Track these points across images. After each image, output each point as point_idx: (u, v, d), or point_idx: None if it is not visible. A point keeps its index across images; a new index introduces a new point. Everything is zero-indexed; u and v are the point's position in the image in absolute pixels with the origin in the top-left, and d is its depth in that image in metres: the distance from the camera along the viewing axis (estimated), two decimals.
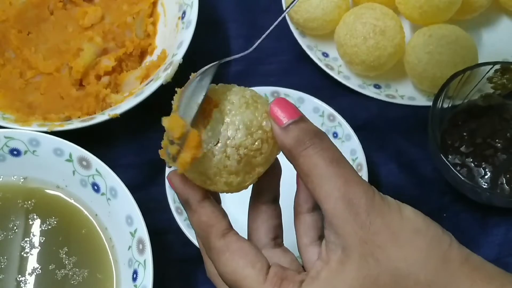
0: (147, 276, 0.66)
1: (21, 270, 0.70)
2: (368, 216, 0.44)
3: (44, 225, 0.72)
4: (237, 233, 0.49)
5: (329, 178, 0.45)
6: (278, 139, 0.47)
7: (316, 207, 0.49)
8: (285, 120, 0.46)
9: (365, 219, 0.44)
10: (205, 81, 0.50)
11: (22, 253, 0.71)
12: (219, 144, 0.47)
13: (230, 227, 0.49)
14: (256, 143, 0.47)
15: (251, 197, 0.52)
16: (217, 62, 0.49)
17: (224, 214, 0.50)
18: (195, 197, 0.49)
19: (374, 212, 0.45)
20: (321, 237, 0.49)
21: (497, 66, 0.76)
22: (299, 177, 0.49)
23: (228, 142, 0.47)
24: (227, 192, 0.49)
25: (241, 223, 0.55)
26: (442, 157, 0.71)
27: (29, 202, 0.73)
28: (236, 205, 0.63)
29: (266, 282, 0.46)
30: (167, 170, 0.74)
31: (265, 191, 0.52)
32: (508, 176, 0.74)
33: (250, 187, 0.51)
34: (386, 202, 0.46)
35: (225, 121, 0.47)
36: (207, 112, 0.49)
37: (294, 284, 0.46)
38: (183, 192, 0.49)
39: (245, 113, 0.48)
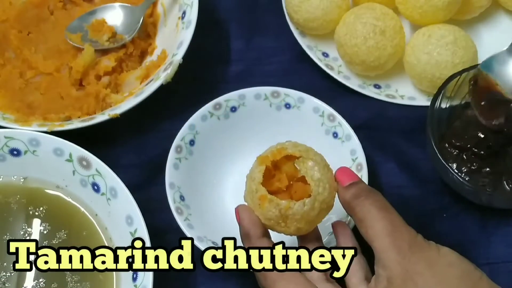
0: (147, 276, 0.66)
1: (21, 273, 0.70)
2: (410, 249, 0.53)
3: (44, 226, 0.72)
4: None
5: (379, 221, 0.55)
6: (341, 196, 0.58)
7: (359, 251, 0.59)
8: (346, 181, 0.58)
9: (407, 251, 0.53)
10: None
11: None
12: (310, 197, 0.56)
13: None
14: (332, 200, 0.58)
15: (299, 241, 0.61)
16: None
17: None
18: (256, 231, 0.57)
19: (415, 247, 0.53)
20: (367, 277, 0.57)
21: None
22: (355, 225, 0.58)
23: (317, 196, 0.56)
24: (286, 234, 0.58)
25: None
26: (441, 159, 0.71)
27: (29, 202, 0.73)
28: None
29: None
30: (167, 170, 0.74)
31: (311, 234, 0.60)
32: (507, 177, 0.74)
33: None
34: (426, 241, 0.55)
35: (316, 177, 0.57)
36: (289, 157, 0.58)
37: None
38: (247, 225, 0.57)
39: (328, 174, 0.58)
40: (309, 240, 0.60)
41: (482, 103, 0.70)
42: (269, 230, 0.59)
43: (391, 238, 0.53)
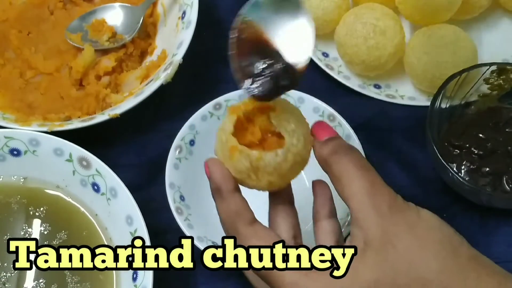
0: (147, 276, 0.66)
1: (21, 272, 0.70)
2: (389, 210, 0.50)
3: (45, 226, 0.72)
4: (262, 224, 0.53)
5: (357, 180, 0.51)
6: (317, 151, 0.54)
7: (333, 214, 0.56)
8: (324, 136, 0.54)
9: (387, 212, 0.50)
10: None
11: None
12: (283, 148, 0.52)
13: (255, 218, 0.53)
14: (307, 154, 0.54)
15: (270, 199, 0.57)
16: None
17: (250, 207, 0.54)
18: (228, 186, 0.53)
19: (395, 208, 0.50)
20: (338, 241, 0.54)
21: (494, 67, 0.76)
22: (331, 182, 0.54)
23: (291, 148, 0.52)
24: (258, 189, 0.55)
25: None
26: (441, 158, 0.71)
27: (29, 202, 0.73)
28: None
29: None
30: (167, 170, 0.74)
31: (283, 193, 0.56)
32: (507, 177, 0.74)
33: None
34: (406, 203, 0.52)
35: (291, 128, 0.53)
36: (263, 110, 0.54)
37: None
38: (218, 179, 0.53)
39: (304, 126, 0.54)
40: (281, 200, 0.56)
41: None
42: (241, 187, 0.55)
43: (369, 198, 0.50)
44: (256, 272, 0.53)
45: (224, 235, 0.56)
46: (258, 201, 0.57)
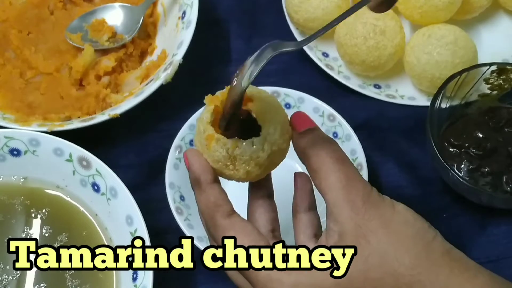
0: (147, 276, 0.66)
1: (22, 273, 0.70)
2: (364, 205, 0.50)
3: (46, 229, 0.72)
4: (241, 216, 0.53)
5: (334, 173, 0.51)
6: (295, 141, 0.54)
7: (312, 208, 0.55)
8: (302, 127, 0.54)
9: (361, 207, 0.50)
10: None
11: None
12: (259, 137, 0.52)
13: (234, 210, 0.53)
14: (284, 144, 0.53)
15: (249, 192, 0.57)
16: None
17: (229, 199, 0.54)
18: (207, 178, 0.53)
19: (370, 203, 0.50)
20: (316, 235, 0.54)
21: (494, 67, 0.76)
22: (308, 173, 0.54)
23: (267, 137, 0.52)
24: (237, 180, 0.54)
25: None
26: (441, 158, 0.71)
27: (29, 202, 0.73)
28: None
29: None
30: (167, 170, 0.74)
31: (262, 187, 0.56)
32: (507, 177, 0.74)
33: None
34: (381, 197, 0.52)
35: (267, 117, 0.52)
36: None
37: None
38: (197, 171, 0.53)
39: (281, 116, 0.53)
40: (261, 193, 0.56)
41: None
42: (220, 179, 0.55)
43: (344, 192, 0.50)
44: (242, 272, 0.53)
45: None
46: (238, 194, 0.57)
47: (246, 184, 0.57)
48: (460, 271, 0.49)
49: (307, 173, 0.55)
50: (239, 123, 0.53)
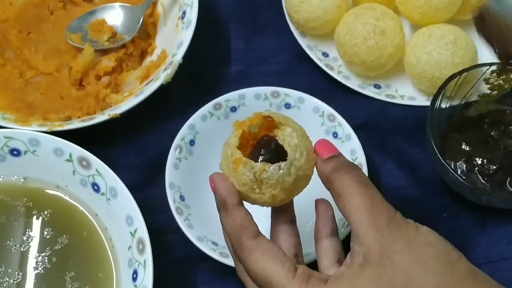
0: (147, 276, 0.66)
1: (22, 267, 0.70)
2: (388, 227, 0.51)
3: (47, 231, 0.72)
4: (267, 237, 0.55)
5: (358, 196, 0.53)
6: (319, 167, 0.56)
7: (334, 233, 0.57)
8: (326, 154, 0.56)
9: (386, 228, 0.51)
10: None
11: (23, 251, 0.71)
12: (286, 161, 0.54)
13: (260, 232, 0.55)
14: (310, 170, 0.56)
15: (272, 217, 0.58)
16: None
17: (254, 221, 0.55)
18: (233, 200, 0.55)
19: (394, 225, 0.52)
20: (339, 260, 0.56)
21: (494, 67, 0.76)
22: (332, 198, 0.55)
23: (294, 162, 0.54)
24: (261, 205, 0.56)
25: None
26: (441, 159, 0.71)
27: (32, 204, 0.73)
28: None
29: (295, 278, 0.51)
30: (167, 170, 0.74)
31: (285, 212, 0.58)
32: (508, 177, 0.74)
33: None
34: (405, 220, 0.53)
35: (294, 142, 0.55)
36: (268, 128, 0.56)
37: (321, 281, 0.51)
38: (223, 193, 0.55)
39: (307, 142, 0.56)
40: (284, 219, 0.58)
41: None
42: (245, 203, 0.56)
43: (369, 215, 0.52)
44: (259, 285, 0.54)
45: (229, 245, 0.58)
46: (260, 219, 0.57)
47: (265, 211, 0.58)
48: None
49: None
50: (266, 149, 0.55)
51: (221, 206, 0.55)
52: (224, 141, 0.57)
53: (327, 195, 0.57)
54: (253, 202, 0.56)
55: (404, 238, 0.51)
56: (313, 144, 0.57)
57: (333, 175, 0.54)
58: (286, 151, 0.54)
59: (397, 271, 0.50)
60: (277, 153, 0.55)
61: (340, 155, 0.56)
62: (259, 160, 0.54)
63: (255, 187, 0.54)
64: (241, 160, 0.54)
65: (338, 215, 0.57)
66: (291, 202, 0.58)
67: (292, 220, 0.58)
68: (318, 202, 0.58)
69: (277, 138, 0.55)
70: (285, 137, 0.55)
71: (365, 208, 0.52)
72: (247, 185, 0.54)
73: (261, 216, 0.58)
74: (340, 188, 0.54)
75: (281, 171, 0.54)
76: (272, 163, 0.54)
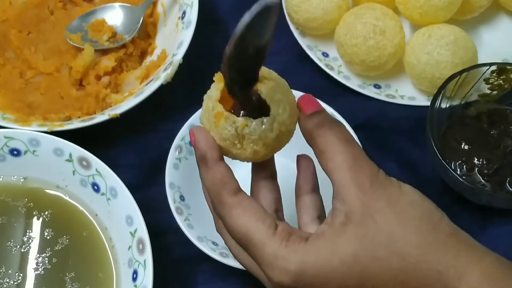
0: (147, 276, 0.66)
1: (22, 268, 0.70)
2: (371, 185, 0.50)
3: (48, 231, 0.72)
4: (247, 194, 0.53)
5: (341, 153, 0.52)
6: (302, 123, 0.54)
7: (316, 190, 0.56)
8: (309, 109, 0.54)
9: (369, 187, 0.50)
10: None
11: (23, 252, 0.71)
12: (269, 116, 0.52)
13: (240, 188, 0.53)
14: (292, 125, 0.53)
15: (253, 173, 0.57)
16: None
17: (235, 177, 0.53)
18: (213, 155, 0.53)
19: (377, 183, 0.51)
20: (320, 216, 0.54)
21: (494, 67, 0.76)
22: (315, 155, 0.54)
23: (277, 117, 0.52)
24: (242, 160, 0.54)
25: None
26: (441, 159, 0.71)
27: (32, 204, 0.73)
28: None
29: (275, 235, 0.50)
30: (167, 170, 0.74)
31: (266, 167, 0.56)
32: (508, 177, 0.74)
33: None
34: (388, 178, 0.52)
35: (277, 97, 0.52)
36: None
37: (301, 239, 0.50)
38: (203, 148, 0.53)
39: (290, 97, 0.54)
40: (264, 174, 0.56)
41: None
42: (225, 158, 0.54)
43: (351, 172, 0.51)
44: (238, 242, 0.53)
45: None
46: (240, 174, 0.56)
47: (246, 166, 0.56)
48: (467, 252, 0.50)
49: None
50: (248, 102, 0.52)
51: (201, 160, 0.53)
52: (206, 94, 0.54)
53: (308, 150, 0.55)
54: (234, 157, 0.54)
55: (386, 197, 0.50)
56: (296, 99, 0.55)
57: (316, 132, 0.53)
58: (268, 105, 0.52)
59: (379, 230, 0.49)
60: (259, 108, 0.52)
61: (323, 110, 0.54)
62: (241, 114, 0.52)
63: (236, 142, 0.52)
64: (222, 115, 0.52)
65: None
66: (272, 158, 0.56)
67: (273, 176, 0.57)
68: (300, 158, 0.56)
69: (259, 92, 0.52)
70: (268, 91, 0.52)
71: (348, 166, 0.51)
72: (228, 140, 0.52)
73: (243, 173, 0.57)
74: (323, 145, 0.52)
75: (263, 126, 0.51)
76: (255, 117, 0.52)
